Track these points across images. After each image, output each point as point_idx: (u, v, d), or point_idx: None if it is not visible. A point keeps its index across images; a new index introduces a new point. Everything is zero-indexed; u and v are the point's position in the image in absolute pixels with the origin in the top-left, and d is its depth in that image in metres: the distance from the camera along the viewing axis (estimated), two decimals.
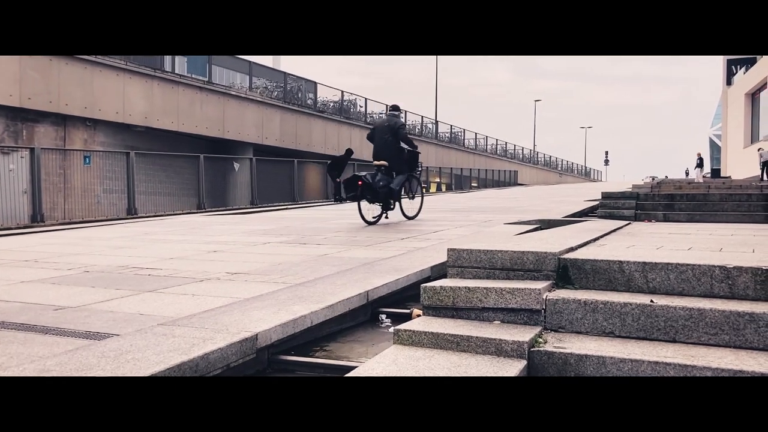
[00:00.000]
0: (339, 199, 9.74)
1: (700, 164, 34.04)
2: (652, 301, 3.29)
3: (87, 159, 15.25)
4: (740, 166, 32.58)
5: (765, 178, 26.29)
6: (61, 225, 11.81)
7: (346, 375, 2.85)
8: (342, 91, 32.42)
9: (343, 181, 9.48)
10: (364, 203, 9.76)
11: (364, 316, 4.35)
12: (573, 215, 11.81)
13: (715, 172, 40.85)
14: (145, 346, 3.00)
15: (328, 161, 13.44)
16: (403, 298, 4.76)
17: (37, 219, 12.00)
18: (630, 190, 16.37)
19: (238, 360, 3.10)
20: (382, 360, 3.07)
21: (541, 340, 3.25)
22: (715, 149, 61.38)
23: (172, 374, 2.71)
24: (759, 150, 28.10)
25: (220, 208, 16.71)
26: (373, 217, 9.90)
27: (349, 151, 9.96)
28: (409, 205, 10.67)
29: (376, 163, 9.86)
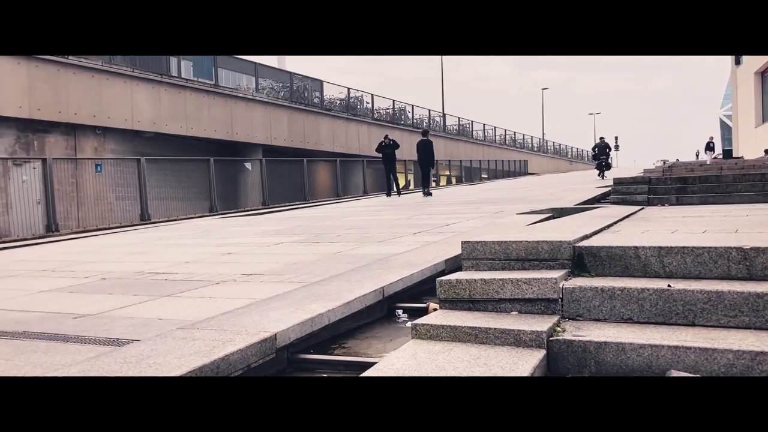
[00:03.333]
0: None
1: (711, 147, 33.75)
2: (669, 285, 3.28)
3: (98, 167, 15.36)
4: (752, 146, 32.24)
5: None
6: (75, 233, 11.91)
7: (367, 374, 2.86)
8: (348, 89, 32.37)
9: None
10: None
11: (381, 312, 4.36)
12: (585, 202, 11.76)
13: (727, 153, 40.43)
14: (166, 351, 3.03)
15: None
16: (418, 293, 4.77)
17: (51, 228, 12.10)
18: (641, 175, 16.24)
19: (258, 360, 3.12)
20: (402, 355, 3.08)
21: (559, 329, 3.25)
22: (725, 130, 60.82)
23: (194, 376, 2.73)
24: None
25: (232, 210, 16.78)
26: None
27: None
28: None
29: None
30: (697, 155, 46.76)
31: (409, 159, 28.91)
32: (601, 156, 26.19)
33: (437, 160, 32.78)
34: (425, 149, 18.75)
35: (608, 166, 26.52)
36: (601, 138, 27.38)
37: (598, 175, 25.43)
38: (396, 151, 19.38)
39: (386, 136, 19.76)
